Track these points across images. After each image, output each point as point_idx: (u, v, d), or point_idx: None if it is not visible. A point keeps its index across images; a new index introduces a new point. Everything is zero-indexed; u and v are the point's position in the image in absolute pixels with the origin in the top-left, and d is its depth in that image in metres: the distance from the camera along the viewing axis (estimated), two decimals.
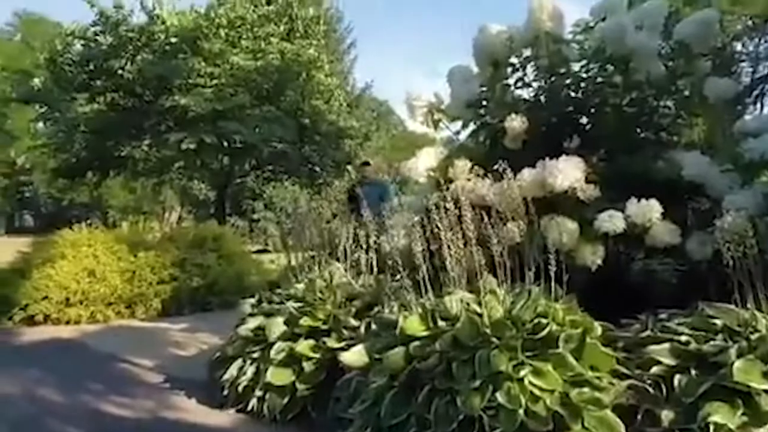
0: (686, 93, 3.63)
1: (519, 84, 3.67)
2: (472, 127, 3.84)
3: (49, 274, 6.32)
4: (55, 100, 12.00)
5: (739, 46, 5.40)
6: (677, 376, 2.18)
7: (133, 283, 6.59)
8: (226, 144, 11.63)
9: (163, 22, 11.08)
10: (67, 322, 6.22)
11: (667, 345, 2.32)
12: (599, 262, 2.95)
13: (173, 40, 11.11)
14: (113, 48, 11.30)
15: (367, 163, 7.10)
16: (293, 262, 4.15)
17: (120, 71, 11.11)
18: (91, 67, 11.52)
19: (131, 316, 6.56)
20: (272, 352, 3.08)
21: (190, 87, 10.72)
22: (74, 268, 6.46)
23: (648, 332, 2.48)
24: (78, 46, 11.85)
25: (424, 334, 2.54)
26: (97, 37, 11.47)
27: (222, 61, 11.08)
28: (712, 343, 2.26)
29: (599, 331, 2.46)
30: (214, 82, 10.90)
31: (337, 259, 3.87)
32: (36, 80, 12.71)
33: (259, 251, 14.33)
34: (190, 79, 10.76)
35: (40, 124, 15.53)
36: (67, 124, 11.98)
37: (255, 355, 3.19)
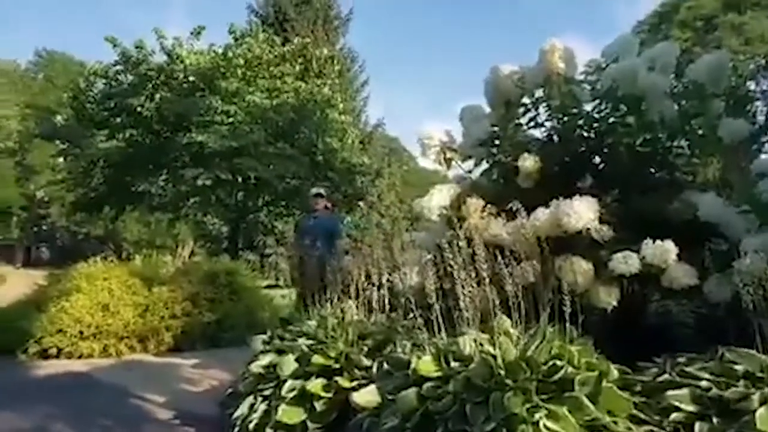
0: (700, 132, 3.63)
1: (531, 123, 3.70)
2: (484, 165, 3.87)
3: (64, 308, 6.37)
4: (76, 137, 12.28)
5: (752, 85, 5.44)
6: (698, 424, 2.12)
7: (146, 318, 6.62)
8: (240, 180, 11.77)
9: (182, 62, 11.37)
10: (80, 356, 6.24)
11: (686, 390, 2.27)
12: (614, 303, 2.92)
13: (191, 78, 11.38)
14: (133, 86, 11.61)
15: (320, 195, 6.49)
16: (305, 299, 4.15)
17: (139, 108, 11.37)
18: (112, 104, 11.83)
19: (143, 351, 6.56)
20: (284, 390, 3.05)
21: (207, 124, 10.92)
22: (89, 302, 6.51)
23: (666, 376, 2.42)
24: (100, 84, 12.20)
25: (437, 374, 2.51)
26: (119, 76, 11.81)
27: (238, 100, 11.30)
28: (733, 389, 2.20)
29: (616, 374, 2.41)
30: (231, 119, 11.10)
31: (349, 297, 3.86)
32: (59, 117, 13.06)
33: (269, 286, 14.31)
34: (207, 116, 10.97)
35: (60, 159, 15.84)
36: (86, 159, 12.24)
37: (266, 393, 3.17)
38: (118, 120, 11.84)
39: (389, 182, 26.91)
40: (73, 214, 15.45)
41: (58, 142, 13.97)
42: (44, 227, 38.20)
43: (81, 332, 6.33)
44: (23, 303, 7.34)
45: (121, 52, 11.54)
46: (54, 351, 6.22)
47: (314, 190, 6.62)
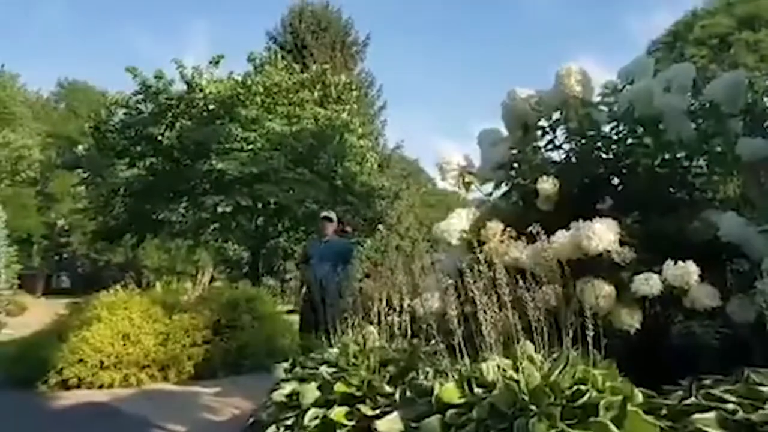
0: (719, 149, 3.61)
1: (549, 146, 3.72)
2: (503, 188, 3.88)
3: (85, 337, 6.43)
4: (97, 166, 12.53)
5: None
6: None
7: (167, 346, 6.65)
8: (261, 206, 11.90)
9: (202, 90, 11.62)
10: (101, 386, 6.27)
11: (713, 414, 2.23)
12: (637, 325, 2.89)
13: (211, 106, 11.62)
14: (153, 115, 11.88)
15: (329, 219, 6.30)
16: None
17: (159, 137, 11.62)
18: (132, 133, 12.09)
19: (164, 380, 6.58)
20: (306, 419, 3.04)
21: (227, 151, 11.11)
22: (109, 331, 6.56)
23: (692, 399, 2.39)
24: (120, 113, 12.49)
25: (461, 401, 2.49)
26: (139, 105, 12.09)
27: (258, 127, 11.49)
28: (760, 412, 2.16)
29: (641, 398, 2.38)
30: (250, 146, 11.28)
31: (370, 322, 3.86)
32: (80, 147, 13.36)
33: (290, 311, 14.32)
34: (227, 143, 11.16)
35: (81, 187, 16.16)
36: (107, 188, 12.47)
37: (289, 422, 3.16)
38: (139, 149, 12.10)
39: (408, 204, 26.97)
40: (94, 242, 15.70)
41: (79, 170, 14.27)
42: (65, 255, 38.81)
43: (102, 362, 6.37)
44: (44, 333, 7.42)
45: (141, 82, 11.83)
46: (75, 381, 6.26)
47: (323, 214, 6.53)
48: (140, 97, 12.06)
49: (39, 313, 18.72)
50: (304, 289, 6.10)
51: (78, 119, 30.13)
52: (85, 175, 13.94)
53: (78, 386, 6.25)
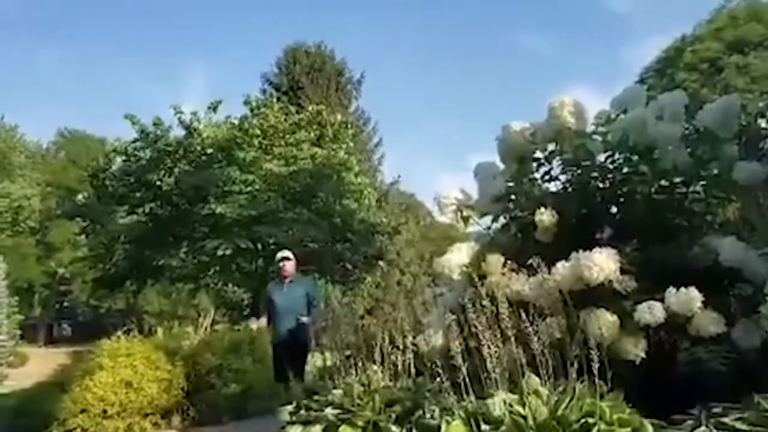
0: (715, 173, 3.63)
1: (546, 178, 3.75)
2: (502, 221, 3.89)
3: (87, 386, 6.34)
4: (97, 214, 12.57)
5: (763, 123, 5.45)
6: None
7: (170, 392, 6.56)
8: (260, 247, 11.89)
9: (200, 135, 11.75)
10: None
11: None
12: (642, 354, 2.86)
13: (209, 150, 11.73)
14: (152, 161, 11.97)
15: (287, 258, 5.78)
16: (329, 363, 4.12)
17: (158, 183, 11.69)
18: (131, 180, 12.17)
19: (168, 426, 6.48)
20: None
21: (226, 194, 11.16)
22: (112, 380, 6.47)
23: (703, 428, 2.35)
24: (119, 160, 12.60)
25: None
26: (137, 152, 12.20)
27: (256, 169, 11.58)
28: None
29: (650, 429, 2.34)
30: (249, 188, 11.34)
31: (374, 361, 3.82)
32: (80, 196, 13.42)
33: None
34: (225, 186, 11.22)
35: (81, 236, 16.18)
36: (107, 235, 12.48)
37: None
38: (138, 195, 12.15)
39: (408, 239, 26.95)
40: (95, 290, 15.64)
41: (79, 219, 14.30)
42: (66, 304, 38.53)
43: (105, 411, 6.27)
44: (46, 384, 7.35)
45: (139, 129, 11.97)
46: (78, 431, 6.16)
47: (279, 255, 5.87)
48: (139, 144, 12.18)
49: (41, 363, 18.49)
50: (270, 338, 5.81)
51: (77, 168, 30.38)
52: (85, 224, 13.97)
53: None
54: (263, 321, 6.01)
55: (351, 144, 14.24)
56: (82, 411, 6.20)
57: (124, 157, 12.38)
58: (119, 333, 7.74)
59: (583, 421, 2.32)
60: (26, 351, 26.53)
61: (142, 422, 6.34)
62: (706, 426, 2.36)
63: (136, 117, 11.95)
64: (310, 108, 13.83)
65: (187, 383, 6.68)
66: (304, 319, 5.40)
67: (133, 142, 12.13)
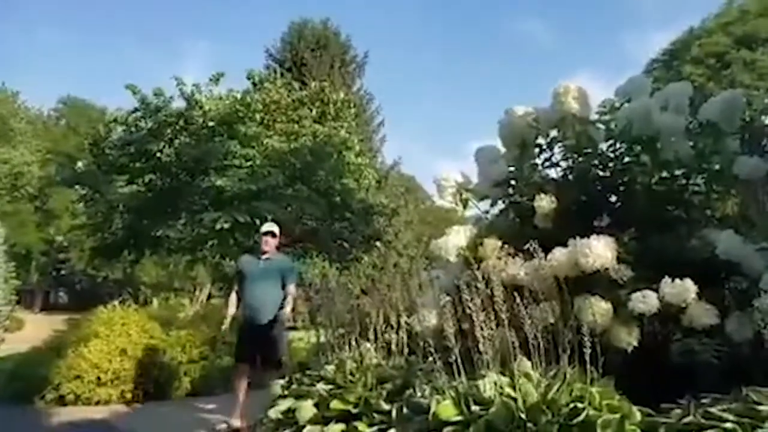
0: (716, 168, 3.63)
1: (547, 164, 3.75)
2: (500, 205, 3.90)
3: (82, 354, 6.41)
4: (96, 182, 12.51)
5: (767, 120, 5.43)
6: None
7: (164, 362, 6.62)
8: (259, 222, 11.87)
9: (201, 107, 11.65)
10: (98, 402, 6.24)
11: None
12: (635, 343, 2.88)
13: (210, 123, 11.62)
14: (152, 132, 11.88)
15: (272, 233, 5.42)
16: (322, 340, 4.15)
17: (158, 154, 11.61)
18: (131, 150, 12.08)
19: (161, 396, 6.54)
20: None
21: (226, 168, 11.10)
22: (107, 347, 6.54)
23: (691, 418, 2.37)
24: (119, 130, 12.50)
25: (458, 419, 2.48)
26: (138, 122, 12.10)
27: (257, 144, 11.50)
28: (759, 431, 2.15)
29: (639, 416, 2.37)
30: (249, 163, 11.27)
31: (367, 339, 3.85)
32: (79, 164, 13.36)
33: (287, 328, 14.24)
34: (225, 160, 11.15)
35: (80, 204, 16.14)
36: (106, 205, 12.44)
37: None
38: (138, 165, 12.07)
39: (406, 221, 27.00)
40: (93, 259, 15.61)
41: (78, 187, 14.25)
42: (63, 272, 38.67)
43: (99, 378, 6.34)
44: (41, 349, 7.40)
45: (140, 99, 11.86)
46: (72, 397, 6.23)
47: (265, 227, 5.55)
48: (139, 114, 12.06)
49: (37, 329, 18.66)
50: (233, 312, 5.33)
51: (78, 136, 30.30)
52: (84, 192, 13.91)
53: (75, 402, 6.22)
54: (232, 302, 5.43)
55: (353, 123, 14.15)
56: (76, 377, 6.27)
57: (124, 127, 12.27)
58: (115, 302, 7.80)
59: (572, 405, 2.34)
60: (22, 316, 26.79)
61: (135, 390, 6.41)
62: (694, 416, 2.38)
63: (137, 87, 11.82)
64: (313, 85, 13.71)
65: (182, 354, 6.73)
66: (283, 311, 5.13)
67: (134, 111, 12.02)
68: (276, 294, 5.15)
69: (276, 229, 5.49)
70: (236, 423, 4.85)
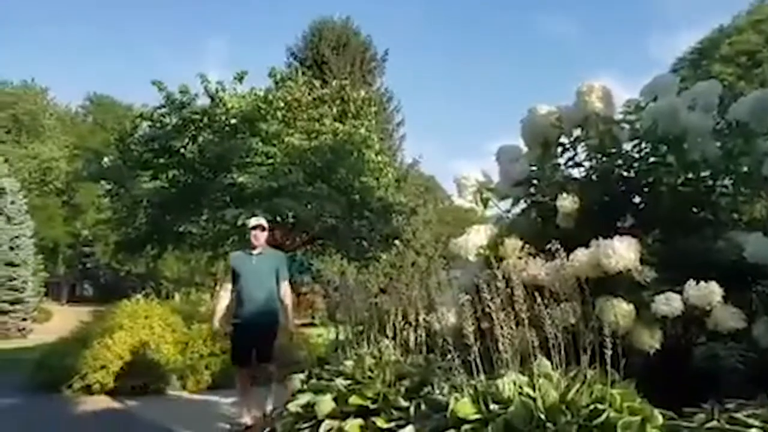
0: (745, 169, 3.56)
1: (569, 163, 3.71)
2: (522, 205, 3.87)
3: (107, 345, 6.54)
4: (121, 178, 12.72)
5: None
6: None
7: (185, 355, 6.72)
8: (279, 219, 11.96)
9: (224, 105, 11.77)
10: (122, 393, 6.35)
11: None
12: (657, 346, 2.84)
13: (233, 121, 11.75)
14: (177, 128, 12.04)
15: (261, 227, 5.16)
16: (341, 337, 4.17)
17: (182, 150, 11.77)
18: (156, 145, 12.26)
19: (182, 388, 6.64)
20: (321, 430, 3.04)
21: (247, 165, 11.20)
22: (131, 339, 6.67)
23: (715, 423, 2.34)
24: (145, 126, 12.69)
25: (476, 417, 2.47)
26: (163, 119, 12.27)
27: (278, 141, 11.59)
28: None
29: (660, 419, 2.33)
30: (270, 161, 11.36)
31: (386, 336, 3.86)
32: (106, 159, 13.60)
33: (305, 324, 14.32)
34: (247, 157, 11.26)
35: (105, 199, 16.42)
36: (130, 200, 12.64)
37: None
38: (162, 161, 12.25)
39: (425, 220, 26.96)
40: (117, 253, 15.88)
41: (104, 182, 14.50)
42: (88, 265, 39.41)
43: (122, 368, 6.46)
44: (68, 339, 7.57)
45: (166, 95, 12.02)
46: (97, 387, 6.37)
47: (253, 221, 5.29)
48: (164, 110, 12.24)
49: (64, 320, 19.06)
50: (223, 307, 5.13)
51: (104, 132, 30.80)
52: (110, 187, 14.16)
53: (101, 392, 6.35)
54: (222, 297, 5.20)
55: (373, 121, 14.16)
56: (102, 367, 6.41)
57: (149, 123, 12.46)
58: (139, 296, 7.93)
59: (592, 407, 2.32)
60: (50, 308, 27.38)
61: (157, 382, 6.51)
62: (718, 420, 2.34)
63: (162, 83, 12.00)
64: (333, 83, 13.75)
65: (203, 347, 6.82)
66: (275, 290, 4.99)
67: (159, 108, 12.20)
68: (270, 289, 5.01)
69: (265, 222, 5.26)
70: (248, 421, 4.85)
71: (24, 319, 22.24)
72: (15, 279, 22.10)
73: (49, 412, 5.86)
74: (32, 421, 5.51)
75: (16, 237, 22.65)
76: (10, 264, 22.08)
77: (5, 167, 23.75)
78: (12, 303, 21.77)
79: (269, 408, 4.73)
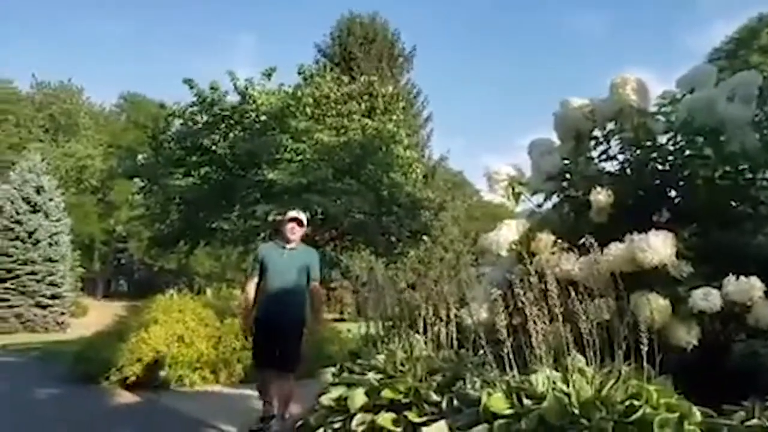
0: None
1: (603, 157, 3.66)
2: (554, 199, 3.83)
3: (143, 338, 6.69)
4: (155, 175, 12.98)
5: None
6: None
7: (218, 349, 6.84)
8: (308, 215, 12.05)
9: (254, 102, 11.90)
10: (156, 385, 6.50)
11: None
12: (695, 342, 2.79)
13: (263, 118, 11.88)
14: (208, 125, 12.23)
15: (299, 221, 4.81)
16: (372, 332, 4.19)
17: (213, 147, 11.95)
18: (188, 143, 12.47)
19: (215, 381, 6.78)
20: (353, 424, 3.07)
21: (277, 162, 11.32)
22: (165, 333, 6.81)
23: (755, 421, 2.29)
24: (177, 124, 12.92)
25: (509, 412, 2.47)
26: (194, 116, 12.47)
27: (307, 138, 11.67)
28: None
29: (699, 417, 2.29)
30: (300, 157, 11.46)
31: (417, 331, 3.86)
32: (140, 157, 13.89)
33: (335, 320, 14.41)
34: (277, 154, 11.38)
35: (138, 196, 16.78)
36: (163, 196, 12.89)
37: (336, 426, 3.19)
38: (194, 158, 12.45)
39: (453, 216, 26.86)
40: (150, 249, 16.22)
41: (137, 179, 14.82)
42: (122, 261, 40.34)
43: (157, 362, 6.61)
44: (105, 333, 7.78)
45: (197, 93, 12.21)
46: (133, 379, 6.53)
47: (292, 213, 4.91)
48: (196, 108, 12.44)
49: (100, 314, 19.56)
50: (251, 300, 4.71)
51: (137, 130, 31.45)
52: (144, 184, 14.45)
53: (136, 384, 6.51)
54: (250, 291, 4.75)
55: (401, 117, 14.15)
56: (138, 360, 6.56)
57: (181, 121, 12.68)
58: (172, 291, 8.10)
59: (628, 403, 2.29)
60: (86, 302, 28.14)
61: (191, 375, 6.65)
62: (759, 418, 2.29)
63: (193, 81, 12.19)
64: (362, 79, 13.78)
65: (235, 341, 6.92)
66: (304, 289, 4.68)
67: (191, 106, 12.40)
68: (299, 287, 4.66)
69: (303, 217, 4.91)
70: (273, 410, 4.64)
71: (62, 313, 22.93)
72: (54, 274, 22.79)
73: (88, 403, 6.05)
74: (72, 412, 5.70)
75: (55, 234, 23.34)
76: (50, 260, 22.78)
77: (44, 165, 24.44)
78: (51, 297, 22.47)
79: (275, 427, 4.53)
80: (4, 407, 6.00)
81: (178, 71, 45.70)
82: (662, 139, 3.54)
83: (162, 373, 6.54)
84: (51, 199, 23.68)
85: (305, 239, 5.28)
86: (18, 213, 22.58)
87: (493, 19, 63.29)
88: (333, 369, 3.85)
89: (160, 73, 64.65)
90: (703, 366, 2.84)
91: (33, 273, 22.24)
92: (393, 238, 13.41)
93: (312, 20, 61.84)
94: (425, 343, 3.75)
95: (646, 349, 2.45)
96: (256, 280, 4.65)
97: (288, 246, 4.70)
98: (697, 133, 3.32)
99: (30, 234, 22.54)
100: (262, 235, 12.84)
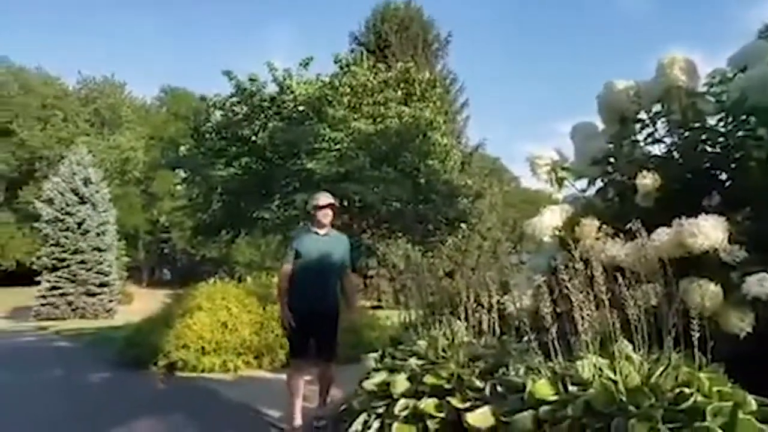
0: None
1: (649, 140, 3.56)
2: (598, 184, 3.75)
3: (188, 324, 6.87)
4: (196, 166, 13.25)
5: None
6: None
7: (261, 335, 6.97)
8: (346, 204, 12.12)
9: (292, 92, 12.01)
10: (202, 370, 6.68)
11: None
12: (748, 329, 2.71)
13: (301, 108, 11.97)
14: (247, 116, 12.39)
15: (331, 205, 4.61)
16: (411, 319, 4.21)
17: (253, 137, 12.12)
18: (228, 134, 12.68)
19: (258, 367, 6.91)
20: (396, 408, 3.10)
21: (316, 151, 11.40)
22: (209, 320, 6.97)
23: None
24: (217, 115, 13.14)
25: (554, 398, 2.45)
26: (234, 107, 12.65)
27: (344, 126, 11.71)
28: None
29: (754, 405, 2.23)
30: (337, 146, 11.52)
31: (458, 318, 3.86)
32: (182, 148, 14.19)
33: (374, 307, 14.48)
34: (315, 143, 11.46)
35: (179, 186, 17.16)
36: (205, 187, 13.16)
37: (380, 411, 3.23)
38: (234, 149, 12.66)
39: (491, 203, 26.59)
40: (193, 238, 16.60)
41: (179, 170, 15.16)
42: (165, 250, 41.41)
43: (203, 348, 6.79)
44: (152, 319, 8.02)
45: (236, 84, 12.38)
46: (180, 364, 6.73)
47: (324, 200, 4.66)
48: (235, 99, 12.62)
49: (145, 302, 20.15)
50: (286, 286, 4.52)
51: (178, 122, 32.11)
52: (186, 175, 14.77)
53: (183, 369, 6.71)
54: (285, 276, 4.55)
55: (437, 103, 14.04)
56: (184, 346, 6.75)
57: (221, 112, 12.89)
58: (214, 279, 8.28)
59: (678, 390, 2.25)
60: (131, 290, 29.09)
61: (235, 360, 6.82)
62: None
63: (232, 73, 12.37)
64: (398, 66, 13.72)
65: (278, 327, 7.04)
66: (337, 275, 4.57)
67: (230, 97, 12.58)
68: (333, 274, 4.57)
69: (333, 199, 4.71)
70: (297, 422, 4.38)
71: (110, 301, 23.80)
72: (102, 263, 23.63)
73: (138, 387, 6.27)
74: (124, 395, 5.92)
75: (102, 224, 24.16)
76: (98, 249, 23.62)
77: (90, 158, 25.24)
78: (100, 285, 23.33)
79: (319, 411, 4.50)
80: (63, 391, 6.29)
81: (216, 64, 46.46)
82: (712, 121, 3.42)
83: (207, 359, 6.71)
84: (98, 191, 24.50)
85: (341, 227, 5.19)
86: (68, 204, 23.47)
87: (533, 2, 61.99)
88: (375, 354, 3.88)
89: (199, 66, 65.81)
90: (758, 354, 2.75)
91: (83, 262, 23.13)
92: (430, 226, 13.38)
93: (348, 9, 61.65)
94: (466, 329, 3.75)
95: (696, 336, 2.39)
96: (289, 266, 4.53)
97: (321, 232, 4.59)
98: (750, 112, 3.19)
99: (79, 224, 23.42)
100: (301, 224, 12.99)
